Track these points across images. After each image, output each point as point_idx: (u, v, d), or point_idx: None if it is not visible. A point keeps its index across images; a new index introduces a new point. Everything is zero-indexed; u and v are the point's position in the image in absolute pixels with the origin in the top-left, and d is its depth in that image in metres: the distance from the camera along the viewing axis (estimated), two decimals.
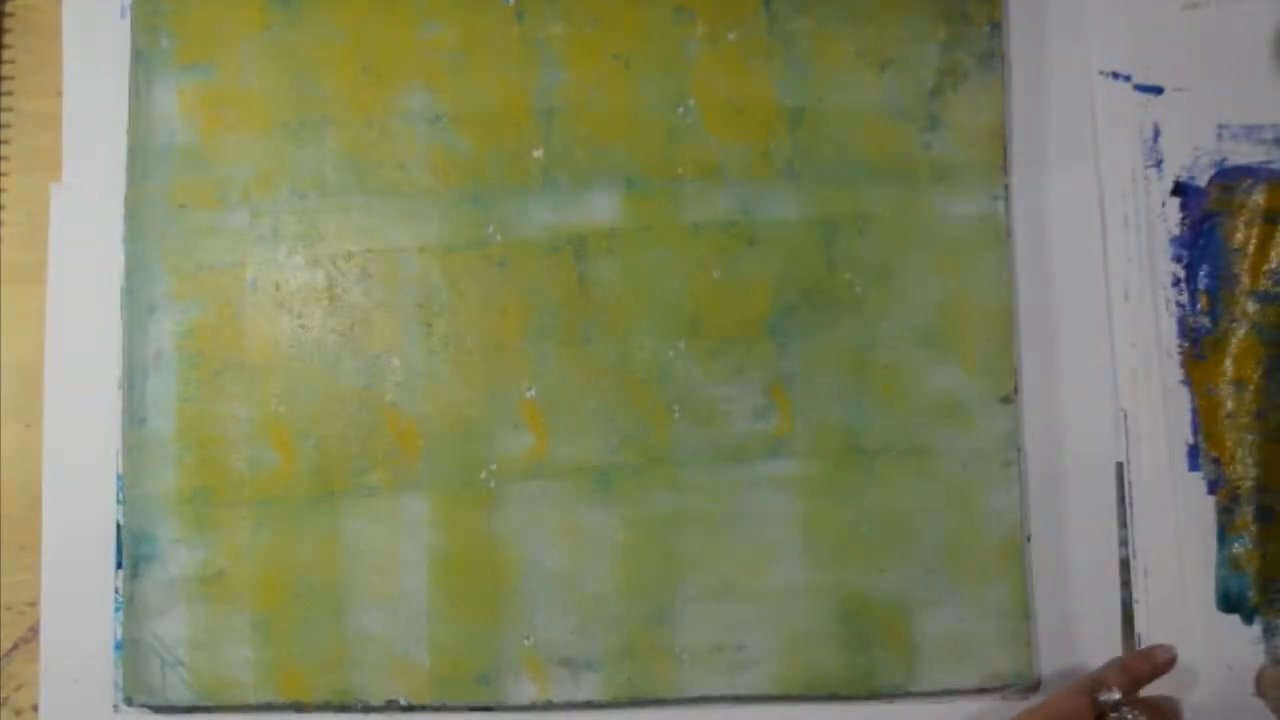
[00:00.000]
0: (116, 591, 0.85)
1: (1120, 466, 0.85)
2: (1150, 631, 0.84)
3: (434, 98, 0.86)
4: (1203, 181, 0.86)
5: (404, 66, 0.86)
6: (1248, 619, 0.84)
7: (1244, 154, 0.86)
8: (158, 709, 0.85)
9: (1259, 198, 0.85)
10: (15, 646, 0.86)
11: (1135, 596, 0.84)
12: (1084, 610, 0.84)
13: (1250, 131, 0.86)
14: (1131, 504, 0.84)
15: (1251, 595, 0.84)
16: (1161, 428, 0.85)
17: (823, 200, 0.85)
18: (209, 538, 0.84)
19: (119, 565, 0.85)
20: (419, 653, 0.84)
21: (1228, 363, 0.85)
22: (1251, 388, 0.84)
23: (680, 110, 0.86)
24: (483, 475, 0.84)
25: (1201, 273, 0.85)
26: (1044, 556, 0.85)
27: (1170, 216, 0.86)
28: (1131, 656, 0.82)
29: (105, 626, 0.85)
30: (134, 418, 0.85)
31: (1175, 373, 0.85)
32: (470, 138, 0.86)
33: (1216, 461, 0.84)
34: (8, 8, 0.89)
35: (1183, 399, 0.85)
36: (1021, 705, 0.83)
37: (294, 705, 0.84)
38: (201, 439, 0.85)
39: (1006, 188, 0.86)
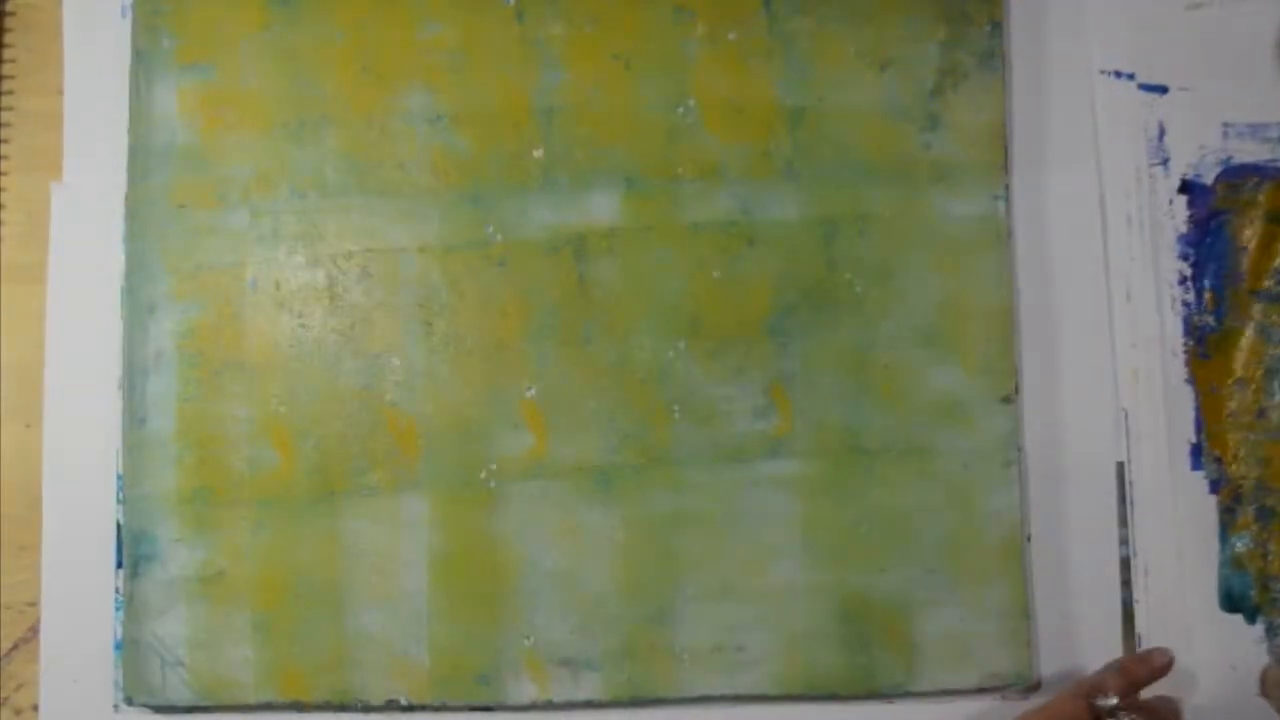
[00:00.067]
0: (117, 591, 0.85)
1: (1121, 466, 0.85)
2: (1151, 631, 0.84)
3: (434, 98, 0.86)
4: (1209, 180, 0.85)
5: (404, 66, 0.86)
6: (1250, 619, 0.84)
7: (1249, 152, 0.85)
8: (158, 709, 0.85)
9: (1265, 196, 0.85)
10: (15, 646, 0.86)
11: (1136, 596, 0.84)
12: (1084, 610, 0.84)
13: (1255, 130, 0.86)
14: (1132, 504, 0.84)
15: (1254, 595, 0.84)
16: (1163, 427, 0.85)
17: (823, 200, 0.85)
18: (209, 538, 0.84)
19: (119, 565, 0.85)
20: (419, 652, 0.84)
21: (1233, 362, 0.85)
22: (1255, 387, 0.84)
23: (680, 110, 0.86)
24: (483, 475, 0.84)
25: (1207, 271, 0.85)
26: (1044, 556, 0.84)
27: (1178, 214, 0.86)
28: (1130, 659, 0.82)
29: (105, 626, 0.85)
30: (134, 417, 0.85)
31: (1180, 371, 0.85)
32: (470, 138, 0.86)
33: (1219, 461, 0.84)
34: (8, 7, 0.89)
35: (1186, 398, 0.85)
36: (1021, 705, 0.83)
37: (294, 705, 0.84)
38: (202, 439, 0.85)
39: (1007, 187, 0.85)
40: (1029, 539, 0.84)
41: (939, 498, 0.84)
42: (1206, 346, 0.85)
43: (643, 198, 0.85)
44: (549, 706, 0.84)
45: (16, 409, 0.87)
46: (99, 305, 0.86)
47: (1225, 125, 0.86)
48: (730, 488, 0.84)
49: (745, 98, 0.86)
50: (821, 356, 0.84)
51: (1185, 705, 0.82)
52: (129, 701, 0.84)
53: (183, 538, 0.84)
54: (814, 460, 0.84)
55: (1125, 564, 0.84)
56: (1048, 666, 0.84)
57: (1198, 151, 0.86)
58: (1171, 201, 0.86)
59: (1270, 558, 0.84)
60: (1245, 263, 0.85)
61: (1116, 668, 0.81)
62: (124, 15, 0.88)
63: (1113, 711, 0.78)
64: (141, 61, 0.86)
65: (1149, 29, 0.86)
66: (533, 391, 0.85)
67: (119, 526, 0.85)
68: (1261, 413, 0.84)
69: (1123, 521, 0.84)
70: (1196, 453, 0.85)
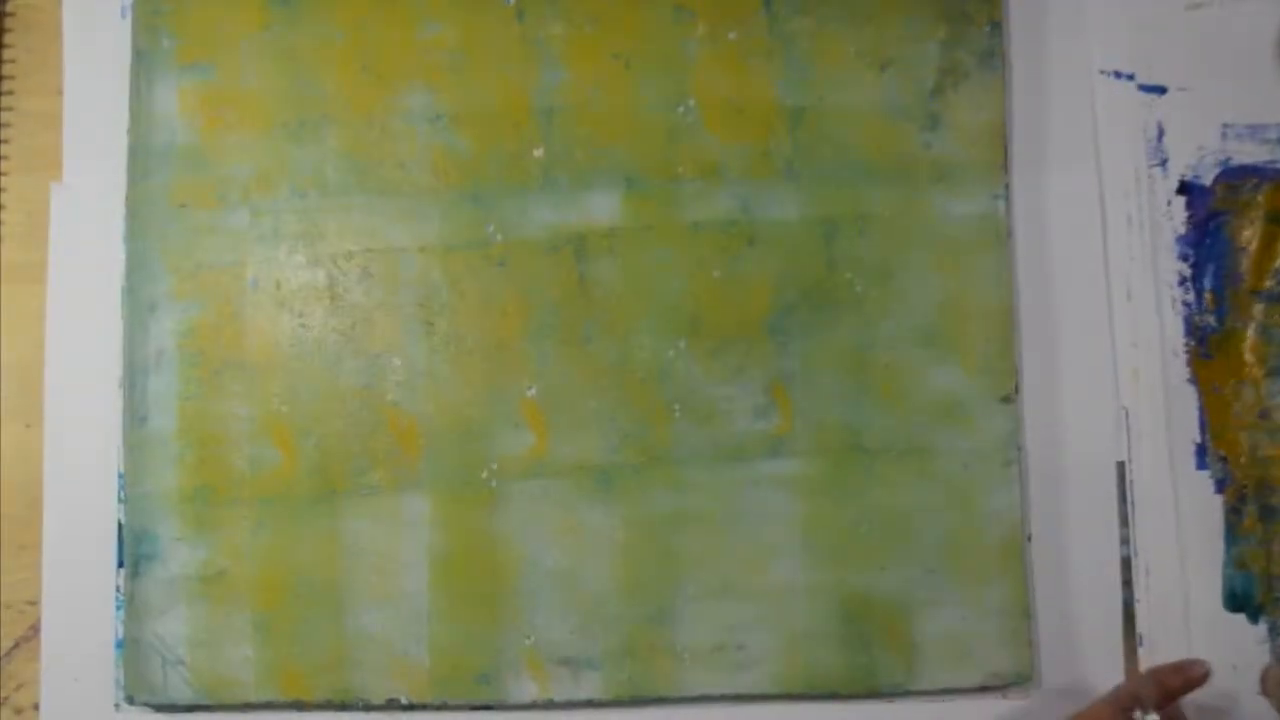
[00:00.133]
0: (117, 590, 0.85)
1: (1121, 466, 0.85)
2: (1152, 631, 0.84)
3: (434, 97, 0.86)
4: (1208, 180, 0.85)
5: (404, 66, 0.86)
6: (1254, 618, 0.84)
7: (1249, 153, 0.85)
8: (158, 708, 0.85)
9: (1264, 197, 0.85)
10: (16, 645, 0.86)
11: (1136, 596, 0.84)
12: (1084, 610, 0.84)
13: (1254, 131, 0.86)
14: (1133, 503, 0.84)
15: (1258, 594, 0.84)
16: (1163, 427, 0.85)
17: (823, 200, 0.85)
18: (210, 537, 0.84)
19: (120, 564, 0.85)
20: (419, 652, 0.84)
21: (1234, 362, 0.85)
22: (1258, 387, 0.84)
23: (680, 110, 0.86)
24: (483, 474, 0.84)
25: (1207, 272, 0.85)
26: (1044, 556, 0.84)
27: (1176, 215, 0.86)
28: (1164, 670, 0.80)
29: (106, 625, 0.85)
30: (135, 417, 0.85)
31: (1181, 372, 0.85)
32: (470, 137, 0.86)
33: (1224, 460, 0.84)
34: (8, 7, 0.89)
35: (1189, 398, 0.85)
36: (1022, 705, 0.83)
37: (294, 704, 0.84)
38: (202, 438, 0.85)
39: (1007, 187, 0.86)
40: (1029, 539, 0.84)
41: (939, 497, 0.84)
42: (1208, 346, 0.85)
43: (643, 197, 0.85)
44: (549, 706, 0.84)
45: (16, 409, 0.87)
46: (99, 305, 0.86)
47: (1224, 126, 0.86)
48: (730, 487, 0.84)
49: (745, 98, 0.86)
50: (822, 356, 0.84)
51: (1186, 703, 0.82)
52: (130, 700, 0.84)
53: (183, 537, 0.84)
54: (814, 460, 0.84)
55: (1126, 564, 0.84)
56: (1048, 666, 0.84)
57: (1197, 152, 0.86)
58: (1170, 202, 0.86)
59: (1274, 558, 0.84)
60: (1245, 263, 0.85)
61: (1152, 679, 0.80)
62: (124, 15, 0.88)
63: None
64: (141, 61, 0.87)
65: (1149, 29, 0.86)
66: (533, 391, 0.85)
67: (120, 526, 0.85)
68: (1265, 413, 0.84)
69: (1123, 521, 0.85)
70: (1201, 452, 0.85)
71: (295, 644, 0.84)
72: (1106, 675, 0.84)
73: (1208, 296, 0.85)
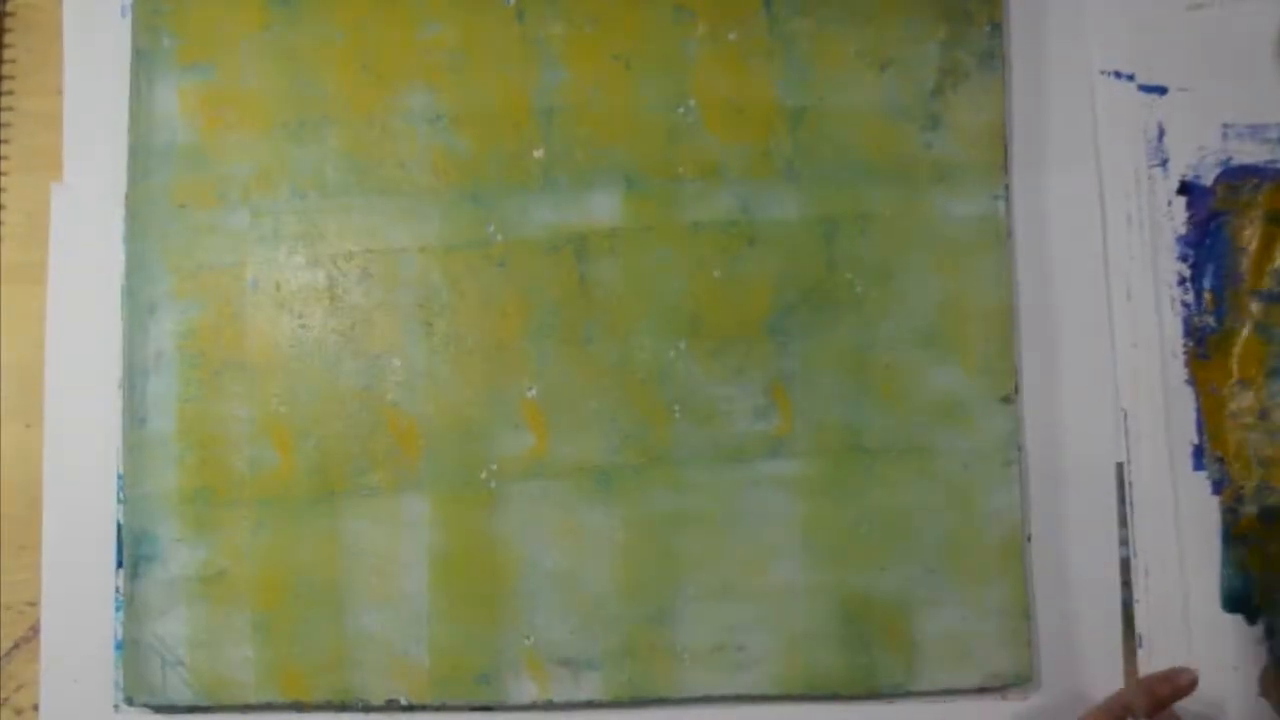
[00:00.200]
0: (117, 591, 0.85)
1: (1120, 466, 0.85)
2: (1151, 632, 0.84)
3: (434, 98, 0.86)
4: (1208, 181, 0.85)
5: (404, 66, 0.86)
6: (1252, 619, 0.84)
7: (1249, 153, 0.85)
8: (158, 709, 0.85)
9: (1264, 197, 0.85)
10: (15, 646, 0.86)
11: (1136, 596, 0.84)
12: (1084, 610, 0.84)
13: (1255, 131, 0.86)
14: (1132, 504, 0.84)
15: (1256, 595, 0.83)
16: (1163, 427, 0.85)
17: (823, 200, 0.85)
18: (209, 537, 0.84)
19: (119, 565, 0.85)
20: (419, 652, 0.84)
21: (1233, 362, 0.85)
22: (1257, 388, 0.84)
23: (680, 110, 0.86)
24: (483, 475, 0.84)
25: (1207, 272, 0.85)
26: (1044, 556, 0.84)
27: (1176, 215, 0.86)
28: (1154, 679, 0.80)
29: (106, 626, 0.85)
30: (134, 418, 0.85)
31: (1180, 372, 0.85)
32: (470, 138, 0.86)
33: (1221, 461, 0.84)
34: (8, 7, 0.89)
35: (1187, 399, 0.85)
36: (1022, 705, 0.83)
37: (294, 705, 0.84)
38: (202, 439, 0.85)
39: (1007, 188, 0.85)
40: (1029, 539, 0.84)
41: (939, 498, 0.84)
42: (1206, 347, 0.85)
43: (643, 198, 0.85)
44: (549, 706, 0.84)
45: (16, 409, 0.87)
46: (99, 305, 0.86)
47: (1225, 126, 0.86)
48: (730, 488, 0.84)
49: (745, 98, 0.86)
50: (822, 356, 0.84)
51: (1185, 706, 0.82)
52: (129, 701, 0.84)
53: (183, 538, 0.84)
54: (814, 460, 0.84)
55: (1125, 564, 0.84)
56: (1048, 666, 0.84)
57: (1197, 152, 0.86)
58: (1170, 202, 0.86)
59: (1272, 558, 0.84)
60: (1245, 264, 0.85)
61: (1143, 687, 0.80)
62: (124, 15, 0.88)
63: None
64: (141, 61, 0.86)
65: (1149, 29, 0.86)
66: (533, 391, 0.85)
67: (119, 526, 0.85)
68: (1264, 414, 0.84)
69: (1123, 522, 0.85)
70: (1198, 453, 0.85)
71: (295, 645, 0.84)
72: (1106, 675, 0.84)
73: (1207, 297, 0.85)
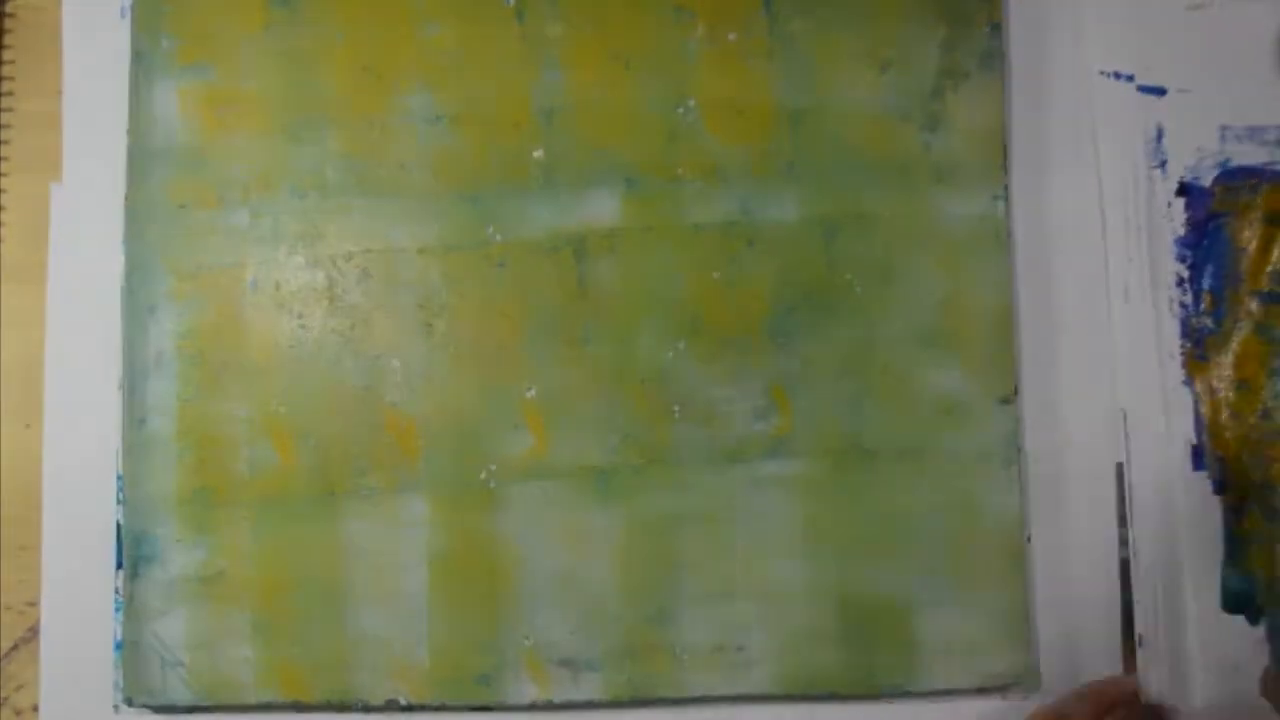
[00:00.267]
0: (117, 592, 0.85)
1: (1120, 467, 0.85)
2: (1150, 632, 0.83)
3: (434, 98, 0.86)
4: (1207, 182, 0.85)
5: (404, 66, 0.86)
6: (1253, 620, 0.84)
7: (1248, 155, 0.85)
8: (158, 709, 0.85)
9: (1263, 198, 0.85)
10: (15, 646, 0.86)
11: (1136, 597, 0.84)
12: (1084, 610, 0.84)
13: (1254, 132, 0.85)
14: (1132, 504, 0.84)
15: (1257, 596, 0.83)
16: (1163, 428, 0.85)
17: (823, 200, 0.85)
18: (209, 538, 0.84)
19: (119, 565, 0.85)
20: (419, 653, 0.84)
21: (1231, 363, 0.85)
22: (1256, 388, 0.84)
23: (680, 110, 0.86)
24: (483, 476, 0.84)
25: (1206, 273, 0.85)
26: (1044, 557, 0.84)
27: (1175, 217, 0.86)
28: (1095, 684, 0.82)
29: (105, 627, 0.85)
30: (134, 418, 0.85)
31: (1178, 373, 0.85)
32: (470, 138, 0.86)
33: (1221, 461, 0.84)
34: (8, 8, 0.89)
35: (1186, 399, 0.85)
36: (1022, 705, 0.83)
37: (294, 705, 0.84)
38: (202, 439, 0.85)
39: (1006, 188, 0.85)
40: (1029, 539, 0.84)
41: (939, 498, 0.84)
42: (1205, 348, 0.85)
43: (643, 198, 0.85)
44: (549, 707, 0.84)
45: (16, 409, 0.87)
46: (99, 305, 0.86)
47: (1224, 128, 0.86)
48: (730, 488, 0.84)
49: (745, 98, 0.86)
50: (822, 357, 0.84)
51: (1186, 707, 0.82)
52: (129, 702, 0.84)
53: (183, 538, 0.84)
54: (814, 460, 0.84)
55: (1125, 564, 0.84)
56: (1048, 667, 0.84)
57: (1196, 154, 0.86)
58: (1169, 204, 0.86)
59: (1273, 559, 0.84)
60: (1244, 264, 0.85)
61: (1083, 693, 0.81)
62: (124, 16, 0.88)
63: None
64: (141, 62, 0.86)
65: (1149, 30, 0.86)
66: (533, 392, 0.85)
67: (119, 527, 0.85)
68: (1265, 414, 0.84)
69: (1123, 522, 0.84)
70: (1199, 454, 0.84)
71: (295, 645, 0.84)
72: (1105, 676, 0.84)
73: (1206, 298, 0.85)
